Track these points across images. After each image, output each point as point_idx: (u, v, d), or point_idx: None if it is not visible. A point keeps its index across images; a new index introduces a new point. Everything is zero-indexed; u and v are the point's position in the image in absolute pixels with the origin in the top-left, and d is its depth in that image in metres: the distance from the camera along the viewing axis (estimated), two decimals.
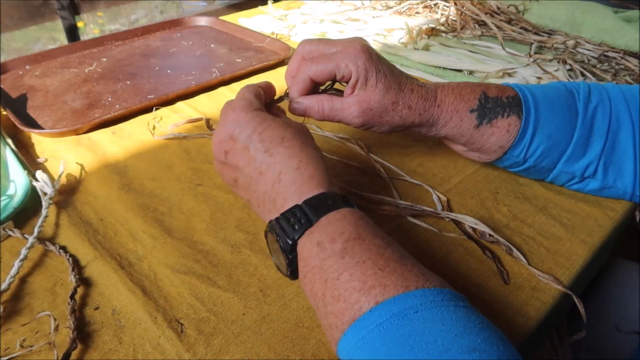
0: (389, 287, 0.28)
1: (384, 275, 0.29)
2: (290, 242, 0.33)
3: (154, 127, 0.60)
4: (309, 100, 0.44)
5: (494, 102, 0.43)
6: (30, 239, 0.41)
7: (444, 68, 0.74)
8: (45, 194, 0.46)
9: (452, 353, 0.24)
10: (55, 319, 0.35)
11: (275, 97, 0.45)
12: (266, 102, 0.43)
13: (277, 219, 0.34)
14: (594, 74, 0.70)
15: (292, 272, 0.34)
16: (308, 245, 0.32)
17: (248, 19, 0.95)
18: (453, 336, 0.25)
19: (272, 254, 0.37)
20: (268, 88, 0.44)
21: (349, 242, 0.31)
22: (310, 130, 0.58)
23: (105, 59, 0.78)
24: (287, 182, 0.35)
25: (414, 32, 0.82)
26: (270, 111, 0.42)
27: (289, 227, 0.33)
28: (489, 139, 0.44)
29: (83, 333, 0.35)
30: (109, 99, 0.66)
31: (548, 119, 0.43)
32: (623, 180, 0.44)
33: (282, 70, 0.76)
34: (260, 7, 1.03)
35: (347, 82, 0.43)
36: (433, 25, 0.86)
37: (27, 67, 0.75)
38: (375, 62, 0.42)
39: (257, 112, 0.38)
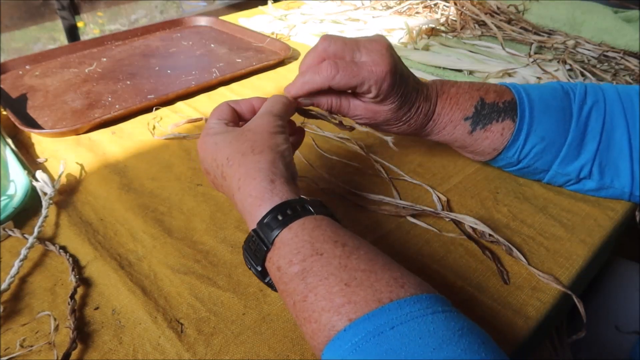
0: (360, 303, 0.27)
1: (351, 290, 0.27)
2: (259, 269, 0.33)
3: (154, 127, 0.60)
4: (317, 98, 0.43)
5: (490, 108, 0.44)
6: (30, 239, 0.41)
7: (444, 68, 0.74)
8: (45, 194, 0.46)
9: None
10: (55, 319, 0.35)
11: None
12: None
13: (243, 246, 0.34)
14: (593, 74, 0.70)
15: (277, 290, 0.34)
16: (272, 271, 0.32)
17: (248, 19, 0.95)
18: (431, 350, 0.24)
19: None
20: (257, 102, 0.42)
21: (306, 261, 0.29)
22: (310, 130, 0.58)
23: (105, 59, 0.78)
24: (239, 205, 0.35)
25: (414, 32, 0.82)
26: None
27: (253, 254, 0.33)
28: (483, 142, 0.44)
29: (83, 333, 0.35)
30: (109, 99, 0.66)
31: (542, 121, 0.43)
32: (620, 180, 0.44)
33: (282, 71, 0.76)
34: (260, 7, 1.03)
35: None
36: (433, 25, 0.86)
37: (27, 67, 0.75)
38: (397, 85, 0.41)
39: (213, 138, 0.38)
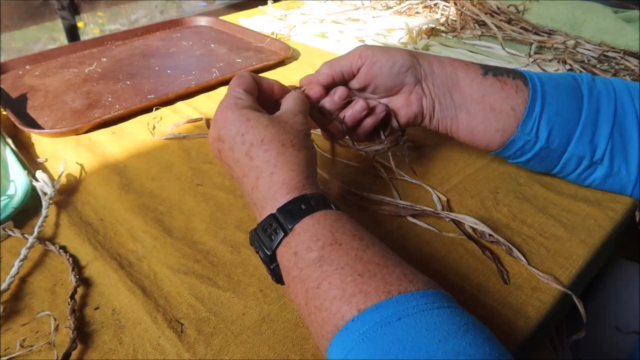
0: (370, 294, 0.27)
1: (363, 281, 0.28)
2: (269, 254, 0.33)
3: (154, 127, 0.60)
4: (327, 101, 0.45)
5: (495, 66, 0.45)
6: (30, 239, 0.41)
7: None
8: (45, 194, 0.46)
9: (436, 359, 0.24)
10: (55, 319, 0.35)
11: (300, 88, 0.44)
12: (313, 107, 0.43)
13: (255, 229, 0.34)
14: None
15: (277, 280, 0.34)
16: (286, 256, 0.32)
17: (248, 19, 0.95)
18: (437, 342, 0.25)
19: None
20: (277, 87, 0.43)
21: (325, 249, 0.30)
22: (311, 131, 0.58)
23: (105, 59, 0.78)
24: (262, 188, 0.35)
25: (414, 32, 0.82)
26: (267, 105, 0.41)
27: (266, 237, 0.33)
28: (499, 93, 0.44)
29: (83, 333, 0.35)
30: (109, 99, 0.66)
31: (555, 96, 0.43)
32: (628, 168, 0.44)
33: (282, 71, 0.76)
34: (260, 7, 1.03)
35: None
36: (433, 25, 0.86)
37: (27, 67, 0.75)
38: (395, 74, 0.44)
39: (242, 111, 0.37)
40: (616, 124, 0.43)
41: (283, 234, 0.32)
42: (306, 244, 0.31)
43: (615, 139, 0.43)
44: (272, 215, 0.33)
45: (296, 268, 0.31)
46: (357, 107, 0.44)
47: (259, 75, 0.42)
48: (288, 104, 0.40)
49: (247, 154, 0.36)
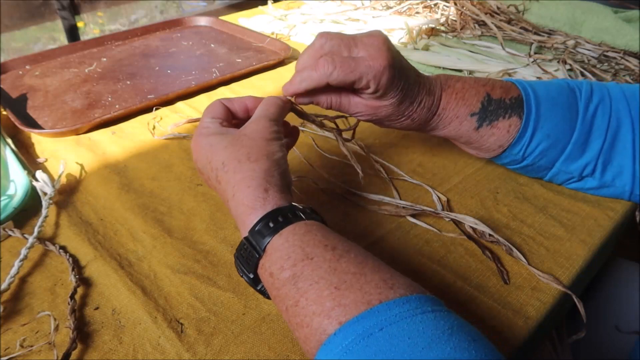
0: (349, 306, 0.27)
1: (341, 293, 0.28)
2: (252, 277, 0.33)
3: (153, 127, 0.60)
4: (317, 96, 0.42)
5: (497, 104, 0.43)
6: (30, 239, 0.41)
7: (443, 68, 0.74)
8: (45, 194, 0.46)
9: None
10: (55, 319, 0.35)
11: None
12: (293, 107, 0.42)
13: (235, 255, 0.34)
14: (594, 74, 0.70)
15: (269, 297, 0.34)
16: (264, 277, 0.32)
17: (248, 19, 0.95)
18: (420, 349, 0.24)
19: None
20: (251, 102, 0.42)
21: (297, 266, 0.30)
22: (310, 130, 0.58)
23: (105, 59, 0.78)
24: (233, 211, 0.35)
25: (414, 32, 0.82)
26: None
27: (245, 262, 0.33)
28: (489, 139, 0.44)
29: (83, 333, 0.35)
30: (109, 99, 0.66)
31: (548, 118, 0.43)
32: (622, 179, 0.44)
33: (282, 70, 0.76)
34: (260, 7, 1.03)
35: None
36: (433, 25, 0.86)
37: (27, 67, 0.75)
38: (397, 78, 0.40)
39: (208, 139, 0.37)
40: (608, 139, 0.43)
41: (258, 256, 0.32)
42: (278, 264, 0.30)
43: (607, 153, 0.43)
44: (245, 239, 0.33)
45: (274, 288, 0.31)
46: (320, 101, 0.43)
47: (229, 98, 0.42)
48: (256, 111, 0.40)
49: (216, 180, 0.36)
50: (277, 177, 0.35)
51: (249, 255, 0.32)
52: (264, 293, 0.34)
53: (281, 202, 0.33)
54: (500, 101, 0.43)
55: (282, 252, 0.31)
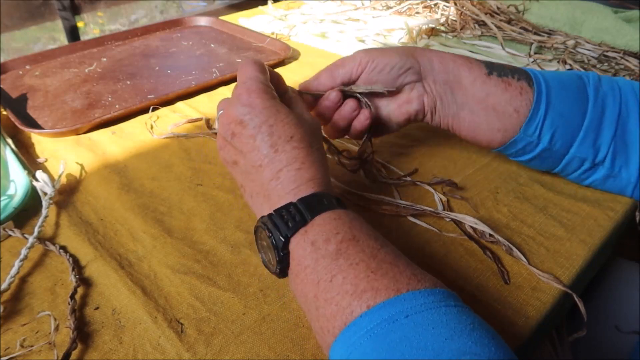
0: (381, 291, 0.28)
1: (376, 278, 0.28)
2: (283, 240, 0.32)
3: (151, 127, 0.60)
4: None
5: (500, 65, 0.44)
6: (30, 239, 0.41)
7: None
8: (45, 194, 0.46)
9: (442, 357, 0.24)
10: (55, 319, 0.35)
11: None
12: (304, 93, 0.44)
13: (269, 215, 0.33)
14: None
15: (281, 270, 0.33)
16: (302, 244, 0.32)
17: (248, 19, 0.95)
18: (443, 340, 0.25)
19: (261, 250, 0.36)
20: (281, 81, 0.43)
21: (343, 243, 0.31)
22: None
23: (105, 59, 0.78)
24: (285, 180, 0.35)
25: (414, 32, 0.82)
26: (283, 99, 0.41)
27: (283, 223, 0.32)
28: (503, 94, 0.43)
29: (83, 333, 0.35)
30: (109, 99, 0.66)
31: (560, 97, 0.42)
32: (628, 170, 0.44)
33: (282, 70, 0.75)
34: (260, 7, 1.03)
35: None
36: (433, 25, 0.86)
37: (27, 67, 0.75)
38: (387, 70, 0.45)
39: (272, 102, 0.37)
40: (619, 126, 0.43)
41: (303, 223, 0.32)
42: (325, 236, 0.31)
43: (618, 141, 0.43)
44: (292, 204, 0.33)
45: (311, 258, 0.31)
46: (346, 108, 0.45)
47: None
48: (302, 106, 0.41)
49: (273, 147, 0.35)
50: (325, 172, 0.37)
51: (291, 218, 0.32)
52: (282, 261, 0.33)
53: (334, 194, 0.36)
54: (502, 65, 0.45)
55: (332, 226, 0.32)
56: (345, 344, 0.27)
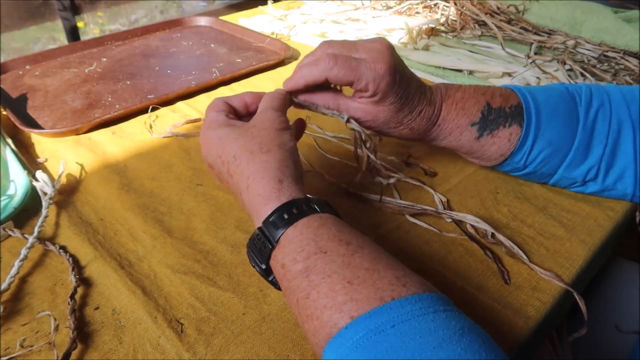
0: (361, 301, 0.27)
1: (353, 288, 0.28)
2: (264, 267, 0.33)
3: (151, 127, 0.60)
4: (314, 98, 0.43)
5: (497, 114, 0.43)
6: (30, 239, 0.41)
7: (443, 68, 0.74)
8: (45, 194, 0.46)
9: None
10: (55, 319, 0.35)
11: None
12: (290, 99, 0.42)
13: (248, 244, 0.34)
14: (593, 74, 0.70)
15: (280, 289, 0.34)
16: (276, 268, 0.32)
17: (248, 19, 0.95)
18: (432, 349, 0.24)
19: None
20: (250, 98, 0.42)
21: (309, 259, 0.30)
22: (310, 132, 0.58)
23: (105, 59, 0.78)
24: (246, 203, 0.35)
25: (414, 32, 0.82)
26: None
27: (258, 253, 0.33)
28: (490, 148, 0.44)
29: (83, 333, 0.35)
30: (109, 99, 0.66)
31: (549, 125, 0.43)
32: (623, 182, 0.44)
33: (282, 71, 0.76)
34: (260, 7, 1.03)
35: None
36: (433, 25, 0.86)
37: (27, 67, 0.75)
38: (397, 84, 0.40)
39: (217, 132, 0.37)
40: (609, 143, 0.43)
41: (271, 247, 0.32)
42: (291, 256, 0.30)
43: (609, 158, 0.43)
44: (258, 229, 0.33)
45: (285, 280, 0.31)
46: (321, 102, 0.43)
47: (227, 96, 0.42)
48: (260, 104, 0.40)
49: (228, 173, 0.36)
50: (291, 167, 0.35)
51: (262, 246, 0.32)
52: (275, 284, 0.34)
53: (296, 193, 0.34)
54: (500, 110, 0.43)
55: (295, 244, 0.31)
56: (333, 356, 0.26)
